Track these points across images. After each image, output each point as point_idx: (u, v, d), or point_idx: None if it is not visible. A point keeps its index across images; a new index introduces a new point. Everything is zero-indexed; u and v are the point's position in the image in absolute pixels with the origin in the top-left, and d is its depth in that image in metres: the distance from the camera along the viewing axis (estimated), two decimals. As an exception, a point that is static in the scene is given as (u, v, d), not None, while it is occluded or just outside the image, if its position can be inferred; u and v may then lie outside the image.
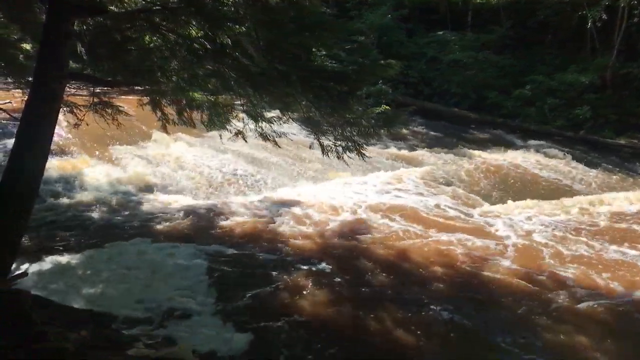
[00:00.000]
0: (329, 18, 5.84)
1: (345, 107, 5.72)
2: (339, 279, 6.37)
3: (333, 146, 5.93)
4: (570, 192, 11.09)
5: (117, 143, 10.89)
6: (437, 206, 9.22)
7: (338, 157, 5.91)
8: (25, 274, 4.32)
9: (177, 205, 8.58)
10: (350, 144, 5.99)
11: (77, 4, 4.05)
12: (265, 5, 4.06)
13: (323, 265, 6.73)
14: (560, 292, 6.30)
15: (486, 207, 9.54)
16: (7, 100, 5.38)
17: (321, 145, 5.96)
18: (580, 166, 13.32)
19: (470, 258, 7.13)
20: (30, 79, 5.48)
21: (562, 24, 19.98)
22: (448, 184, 11.10)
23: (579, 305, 6.03)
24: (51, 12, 4.11)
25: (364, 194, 9.67)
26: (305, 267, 6.58)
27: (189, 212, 8.23)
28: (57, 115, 4.29)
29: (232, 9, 4.19)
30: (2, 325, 2.73)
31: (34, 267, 5.91)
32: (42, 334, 2.84)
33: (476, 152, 14.15)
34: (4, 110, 5.28)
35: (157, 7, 4.46)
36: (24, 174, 4.14)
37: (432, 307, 5.84)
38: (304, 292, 6.00)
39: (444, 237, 7.78)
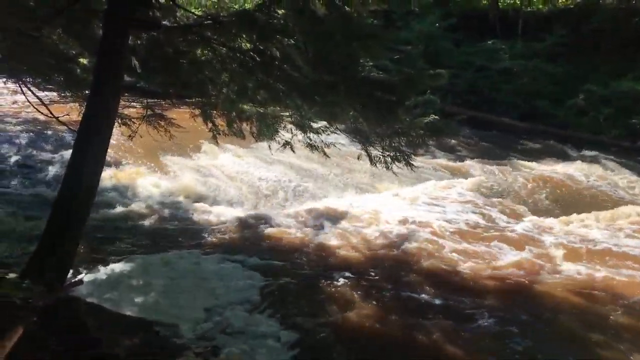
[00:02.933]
0: (377, 28, 5.82)
1: (393, 117, 5.67)
2: (387, 292, 6.27)
3: (381, 157, 5.87)
4: (626, 204, 10.58)
5: (168, 154, 11.16)
6: (487, 218, 8.98)
7: (387, 168, 5.86)
8: (81, 281, 4.45)
9: (226, 216, 8.68)
10: (398, 154, 5.93)
11: (134, 19, 4.17)
12: (313, 17, 4.07)
13: (371, 277, 6.65)
14: (617, 307, 6.00)
15: (538, 219, 9.22)
16: (65, 113, 5.57)
17: (369, 155, 5.92)
18: (636, 177, 12.73)
19: (521, 271, 6.90)
20: (86, 92, 5.69)
21: (618, 31, 19.27)
22: (498, 195, 10.81)
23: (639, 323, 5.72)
24: (108, 27, 4.25)
25: (412, 206, 9.53)
26: (352, 279, 6.51)
27: (237, 222, 8.32)
28: (113, 127, 4.42)
29: (282, 22, 4.23)
30: (58, 331, 2.80)
31: (87, 275, 6.08)
32: (95, 340, 2.90)
33: (527, 163, 13.75)
34: (63, 123, 5.49)
35: (209, 22, 4.55)
36: (81, 184, 4.28)
37: (482, 321, 5.67)
38: (353, 304, 5.93)
39: (494, 249, 7.56)
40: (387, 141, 6.04)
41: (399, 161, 5.84)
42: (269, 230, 8.04)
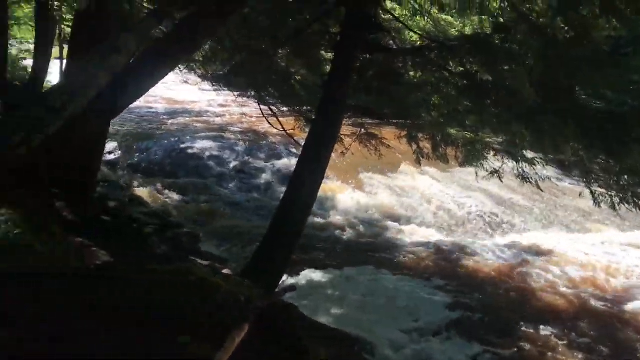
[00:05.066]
0: (618, 57, 5.24)
1: (624, 153, 5.01)
2: (595, 349, 5.55)
3: (607, 195, 5.24)
4: None
5: (367, 171, 11.43)
6: None
7: (612, 209, 5.20)
8: (293, 287, 4.72)
9: (420, 238, 8.57)
10: (628, 195, 5.23)
11: (367, 42, 4.33)
12: (552, 40, 3.79)
13: (577, 328, 5.96)
14: None
15: None
16: (291, 128, 6.01)
17: (592, 193, 5.32)
18: None
19: None
20: (307, 108, 6.08)
21: None
22: None
23: None
24: (340, 49, 4.47)
25: (632, 255, 8.35)
26: (557, 329, 5.90)
27: (431, 246, 8.15)
28: (335, 142, 4.63)
29: (515, 46, 4.02)
30: (271, 337, 2.96)
31: (290, 282, 6.45)
32: (305, 348, 3.00)
33: None
34: (290, 136, 5.92)
35: (435, 45, 4.53)
36: (301, 199, 4.55)
37: None
38: (555, 354, 5.37)
39: None
40: (613, 178, 5.37)
41: (628, 203, 5.15)
42: (464, 259, 7.72)
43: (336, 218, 9.17)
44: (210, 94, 16.59)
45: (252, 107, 15.95)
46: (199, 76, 7.70)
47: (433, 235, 8.85)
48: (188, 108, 15.45)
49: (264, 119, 7.08)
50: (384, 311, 5.98)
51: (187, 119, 14.74)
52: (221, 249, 7.55)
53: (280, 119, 6.83)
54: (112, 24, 3.25)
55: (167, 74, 3.23)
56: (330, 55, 5.69)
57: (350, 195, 10.14)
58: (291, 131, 5.17)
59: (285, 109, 7.29)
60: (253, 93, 6.87)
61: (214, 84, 7.21)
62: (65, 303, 2.43)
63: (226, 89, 7.90)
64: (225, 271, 5.78)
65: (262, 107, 4.95)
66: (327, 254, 7.73)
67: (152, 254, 5.65)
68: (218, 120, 14.99)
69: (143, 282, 2.57)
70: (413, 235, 8.74)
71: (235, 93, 8.57)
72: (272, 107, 5.19)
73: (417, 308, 6.11)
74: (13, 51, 15.67)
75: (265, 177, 11.02)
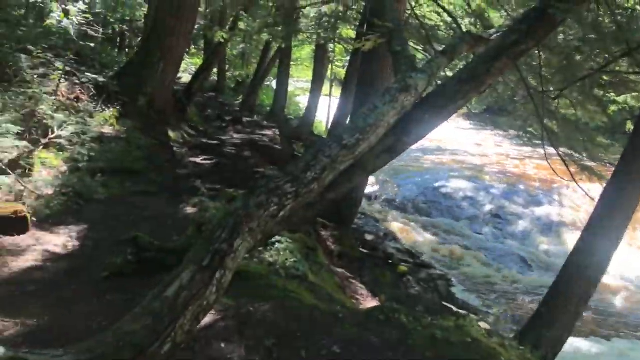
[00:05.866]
0: None
1: None
2: None
3: None
4: None
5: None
6: None
7: None
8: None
9: None
10: None
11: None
12: None
13: None
14: None
15: None
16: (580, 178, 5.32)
17: None
18: None
19: None
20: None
21: None
22: None
23: None
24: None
25: None
26: None
27: None
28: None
29: None
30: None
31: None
32: None
33: None
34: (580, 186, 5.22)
35: None
36: (590, 263, 3.97)
37: None
38: None
39: None
40: None
41: None
42: None
43: (608, 278, 7.91)
44: (466, 132, 16.35)
45: (508, 148, 15.23)
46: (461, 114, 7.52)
47: None
48: (442, 145, 15.38)
49: (524, 159, 6.48)
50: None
51: (442, 156, 14.68)
52: (474, 295, 7.13)
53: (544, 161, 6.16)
54: (397, 63, 3.24)
55: (450, 116, 3.08)
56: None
57: (628, 252, 8.67)
58: (581, 181, 4.50)
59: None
60: (525, 134, 6.37)
61: (473, 121, 6.93)
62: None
63: (489, 128, 7.56)
64: (482, 324, 5.38)
65: (546, 150, 4.44)
66: (596, 320, 6.72)
67: (407, 294, 5.58)
68: (473, 159, 14.58)
69: (423, 333, 2.41)
70: None
71: (500, 132, 8.17)
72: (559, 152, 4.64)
73: None
74: (290, 88, 17.85)
75: (523, 224, 10.20)
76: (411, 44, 5.37)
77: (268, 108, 16.86)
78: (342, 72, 19.29)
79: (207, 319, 2.21)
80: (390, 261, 6.66)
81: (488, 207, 10.86)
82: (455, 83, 2.95)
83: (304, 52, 23.53)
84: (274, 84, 19.17)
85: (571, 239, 9.69)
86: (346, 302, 3.70)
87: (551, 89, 4.41)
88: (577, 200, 10.82)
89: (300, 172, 2.36)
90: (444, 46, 3.60)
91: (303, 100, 21.10)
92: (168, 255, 3.18)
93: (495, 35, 3.35)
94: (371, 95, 6.44)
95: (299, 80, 27.36)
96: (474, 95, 3.13)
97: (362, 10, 9.86)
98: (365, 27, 6.47)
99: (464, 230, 9.88)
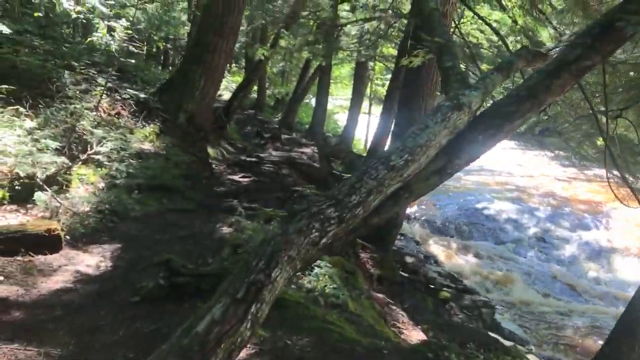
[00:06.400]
0: None
1: None
2: None
3: None
4: None
5: None
6: None
7: None
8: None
9: None
10: None
11: None
12: None
13: None
14: None
15: None
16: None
17: None
18: None
19: None
20: None
21: None
22: None
23: None
24: None
25: None
26: None
27: None
28: None
29: None
30: None
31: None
32: None
33: None
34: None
35: None
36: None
37: None
38: None
39: None
40: None
41: None
42: None
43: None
44: (510, 152, 15.83)
45: (554, 169, 14.64)
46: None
47: None
48: (485, 165, 14.95)
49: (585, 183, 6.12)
50: None
51: (484, 176, 14.24)
52: (518, 323, 6.75)
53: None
54: (448, 80, 3.03)
55: (505, 137, 2.84)
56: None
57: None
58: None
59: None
60: (575, 156, 6.04)
61: (517, 141, 6.64)
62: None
63: (535, 148, 7.24)
64: (531, 357, 5.04)
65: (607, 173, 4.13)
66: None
67: (450, 322, 5.28)
68: (517, 180, 14.09)
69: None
70: None
71: (548, 152, 7.80)
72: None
73: None
74: (329, 106, 17.77)
75: (569, 248, 9.72)
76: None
77: (307, 125, 16.81)
78: (381, 90, 19.17)
79: (241, 354, 2.04)
80: (431, 286, 6.37)
81: (533, 230, 10.42)
82: (513, 101, 2.72)
83: (343, 70, 23.61)
84: (313, 101, 19.17)
85: (623, 266, 9.18)
86: (389, 334, 3.46)
87: (612, 108, 4.11)
88: (628, 225, 10.30)
89: (344, 196, 2.17)
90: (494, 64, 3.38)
91: (342, 118, 21.02)
92: (202, 280, 3.04)
93: (553, 51, 3.12)
94: (415, 112, 6.24)
95: (338, 98, 27.42)
96: (533, 115, 2.89)
97: (404, 28, 9.71)
98: (408, 44, 6.30)
99: (507, 253, 9.48)
